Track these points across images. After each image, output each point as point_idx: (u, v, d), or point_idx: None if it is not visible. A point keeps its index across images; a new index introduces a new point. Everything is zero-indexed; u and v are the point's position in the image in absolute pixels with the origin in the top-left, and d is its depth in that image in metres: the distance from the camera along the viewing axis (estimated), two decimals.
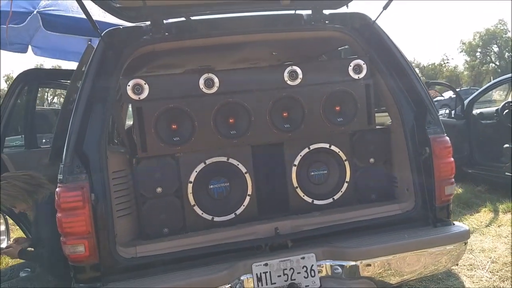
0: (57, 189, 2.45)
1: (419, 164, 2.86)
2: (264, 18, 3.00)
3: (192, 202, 2.82)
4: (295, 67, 2.90)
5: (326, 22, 3.02)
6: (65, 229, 2.42)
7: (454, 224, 2.89)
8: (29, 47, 5.34)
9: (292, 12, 3.06)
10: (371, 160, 3.07)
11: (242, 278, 2.54)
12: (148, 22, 2.85)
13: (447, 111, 7.66)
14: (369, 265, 2.63)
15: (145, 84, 2.71)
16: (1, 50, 4.84)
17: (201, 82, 2.78)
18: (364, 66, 2.97)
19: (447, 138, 2.86)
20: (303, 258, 2.64)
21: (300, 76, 2.91)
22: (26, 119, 4.54)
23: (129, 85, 2.69)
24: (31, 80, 4.28)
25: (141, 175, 2.76)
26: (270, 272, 2.59)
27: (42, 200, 3.12)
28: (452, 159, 2.87)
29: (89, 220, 2.41)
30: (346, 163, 3.03)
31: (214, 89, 2.81)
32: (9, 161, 4.01)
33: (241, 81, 2.88)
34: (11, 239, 5.40)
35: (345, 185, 3.04)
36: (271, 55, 4.24)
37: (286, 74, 2.89)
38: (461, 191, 7.26)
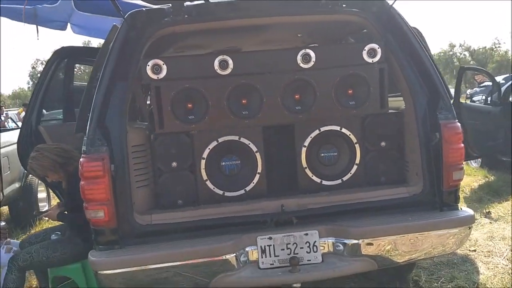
0: (81, 159, 2.67)
1: (428, 149, 2.90)
2: (279, 1, 3.07)
3: (205, 177, 2.99)
4: (308, 50, 2.97)
5: (344, 5, 3.06)
6: (87, 195, 2.65)
7: (461, 209, 2.92)
8: (68, 25, 5.62)
9: None
10: (382, 143, 3.13)
11: (247, 249, 2.71)
12: (170, 5, 2.99)
13: (483, 97, 7.46)
14: (370, 244, 2.72)
15: (163, 64, 2.87)
16: (40, 28, 5.13)
17: (216, 63, 2.91)
18: (379, 50, 3.00)
19: (458, 124, 2.88)
20: (306, 234, 2.76)
21: (313, 59, 2.98)
22: (64, 93, 4.83)
23: (148, 65, 2.86)
24: (68, 56, 4.54)
25: (158, 150, 2.95)
26: (273, 245, 2.74)
27: (73, 171, 3.38)
28: (462, 145, 2.89)
29: (109, 188, 2.63)
30: (357, 145, 3.11)
31: (228, 71, 2.93)
32: (46, 133, 4.31)
33: (254, 64, 2.98)
34: (52, 205, 5.85)
35: (355, 167, 3.12)
36: (296, 37, 4.31)
37: (299, 57, 2.97)
38: (493, 178, 7.13)
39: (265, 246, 2.73)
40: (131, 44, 2.85)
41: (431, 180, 2.90)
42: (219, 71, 2.92)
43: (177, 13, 2.95)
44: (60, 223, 3.76)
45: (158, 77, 2.88)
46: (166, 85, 2.89)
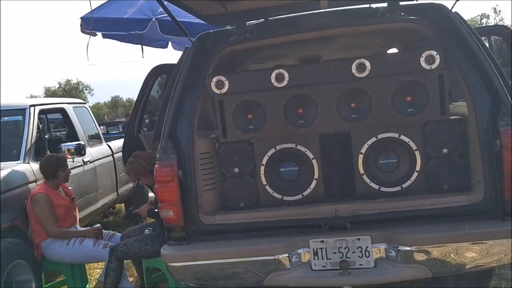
0: (155, 166, 3.09)
1: (490, 156, 2.79)
2: (333, 14, 3.20)
3: (264, 182, 3.23)
4: (363, 60, 3.05)
5: (402, 14, 3.08)
6: (160, 197, 3.07)
7: None
8: (169, 43, 6.28)
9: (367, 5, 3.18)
10: (444, 150, 3.06)
11: (299, 251, 2.89)
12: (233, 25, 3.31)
13: None
14: (423, 251, 2.72)
15: (225, 80, 3.18)
16: (144, 46, 5.82)
17: (273, 77, 3.14)
18: (437, 57, 2.96)
19: None
20: (358, 239, 2.85)
21: (369, 68, 3.04)
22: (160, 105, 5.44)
23: (213, 81, 3.19)
24: (162, 72, 5.12)
25: (222, 157, 3.27)
26: (326, 248, 2.87)
27: None
28: None
29: (177, 191, 3.00)
30: (417, 152, 3.09)
31: (284, 83, 3.14)
32: (144, 141, 4.91)
33: (310, 75, 3.15)
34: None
35: (415, 174, 3.10)
36: (375, 41, 4.34)
37: (354, 67, 3.06)
38: None
39: (317, 248, 2.88)
40: (199, 64, 3.21)
41: (492, 188, 2.78)
42: (275, 83, 3.14)
43: (240, 32, 3.24)
44: (154, 220, 4.29)
45: (221, 92, 3.20)
46: (228, 98, 3.20)
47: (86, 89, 57.49)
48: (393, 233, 2.80)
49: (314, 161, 3.18)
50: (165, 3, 3.21)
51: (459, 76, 2.92)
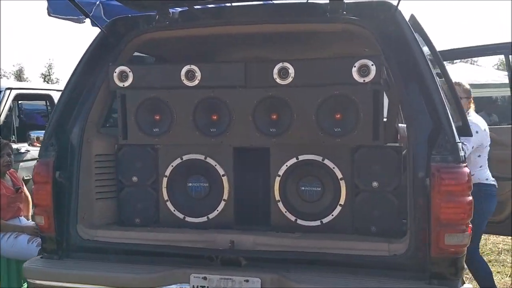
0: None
1: (423, 197, 2.21)
2: (270, 8, 2.69)
3: (166, 197, 2.74)
4: (286, 64, 2.52)
5: (344, 12, 2.54)
6: (34, 200, 2.63)
7: (462, 286, 2.16)
8: None
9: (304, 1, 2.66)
10: (374, 183, 2.49)
11: (173, 286, 2.37)
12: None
13: None
14: None
15: (129, 72, 2.72)
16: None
17: (183, 73, 2.65)
18: (373, 68, 2.40)
19: (464, 170, 2.13)
20: (246, 281, 2.32)
21: (292, 74, 2.51)
22: None
23: (115, 72, 2.73)
24: None
25: (120, 161, 2.80)
26: (207, 287, 2.35)
27: None
28: (469, 198, 2.13)
29: (50, 195, 2.55)
30: (342, 182, 2.53)
31: (196, 82, 2.65)
32: None
33: (226, 76, 2.64)
34: None
35: (338, 208, 2.54)
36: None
37: (276, 71, 2.53)
38: None
39: (198, 286, 2.36)
40: (106, 50, 2.76)
41: (419, 239, 2.19)
42: (185, 81, 2.66)
43: (162, 19, 2.76)
44: None
45: (124, 85, 2.73)
46: (131, 94, 2.73)
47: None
48: (287, 279, 2.26)
49: (224, 178, 2.67)
50: None
51: (396, 93, 2.35)
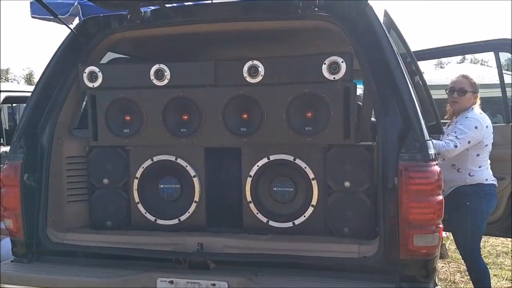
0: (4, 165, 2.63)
1: (392, 197, 2.13)
2: (242, 5, 2.63)
3: (137, 199, 2.69)
4: (256, 62, 2.46)
5: (316, 9, 2.48)
6: (2, 202, 2.59)
7: None
8: None
9: None
10: (346, 183, 2.42)
11: None
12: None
13: None
14: None
15: (99, 72, 2.67)
16: None
17: (152, 73, 2.60)
18: (343, 65, 2.33)
19: (434, 168, 2.05)
20: (213, 284, 2.26)
21: (262, 73, 2.45)
22: None
23: (85, 72, 2.69)
24: None
25: (91, 163, 2.75)
26: None
27: None
28: (439, 198, 2.06)
29: (18, 198, 2.52)
30: (314, 182, 2.46)
31: (165, 82, 2.60)
32: None
33: (195, 75, 2.59)
34: None
35: (310, 209, 2.48)
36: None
37: (245, 70, 2.48)
38: None
39: None
40: (76, 50, 2.72)
41: (389, 241, 2.12)
42: (155, 81, 2.61)
43: (133, 18, 2.71)
44: None
45: (93, 85, 2.69)
46: (101, 94, 2.69)
47: None
48: (253, 282, 2.20)
49: (195, 180, 2.61)
50: None
51: (366, 90, 2.28)
